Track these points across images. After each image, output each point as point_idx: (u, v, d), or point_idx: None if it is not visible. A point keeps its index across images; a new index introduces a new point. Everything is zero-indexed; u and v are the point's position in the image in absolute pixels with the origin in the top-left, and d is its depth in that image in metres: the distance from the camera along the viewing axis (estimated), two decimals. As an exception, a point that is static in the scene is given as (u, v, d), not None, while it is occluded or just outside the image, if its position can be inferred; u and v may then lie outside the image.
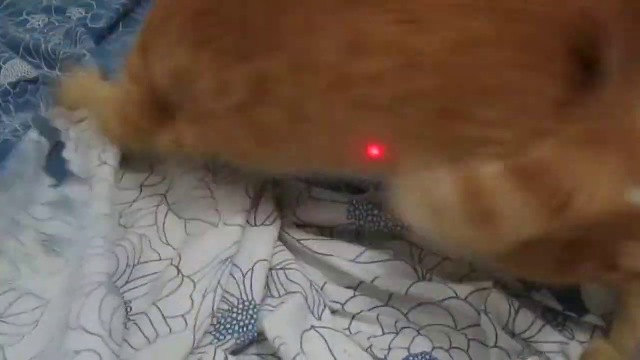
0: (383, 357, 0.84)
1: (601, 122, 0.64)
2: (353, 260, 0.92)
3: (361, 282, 0.90)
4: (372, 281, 0.89)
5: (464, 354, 0.86)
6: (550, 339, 0.84)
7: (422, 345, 0.86)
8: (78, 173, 1.11)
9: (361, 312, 0.89)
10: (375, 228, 0.97)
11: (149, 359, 0.81)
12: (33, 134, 1.14)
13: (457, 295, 0.87)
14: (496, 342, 0.83)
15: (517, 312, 0.85)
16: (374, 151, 0.74)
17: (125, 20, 1.63)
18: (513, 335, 0.86)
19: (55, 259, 0.96)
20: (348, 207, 0.97)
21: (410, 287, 0.88)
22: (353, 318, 0.89)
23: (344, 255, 0.93)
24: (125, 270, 0.92)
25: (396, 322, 0.88)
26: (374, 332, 0.88)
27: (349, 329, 0.89)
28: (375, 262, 0.93)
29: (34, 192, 1.08)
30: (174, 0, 0.88)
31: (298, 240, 0.95)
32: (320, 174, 0.96)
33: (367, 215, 0.96)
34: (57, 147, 1.18)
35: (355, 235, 0.99)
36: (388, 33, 0.68)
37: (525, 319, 0.85)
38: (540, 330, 0.84)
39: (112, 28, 1.58)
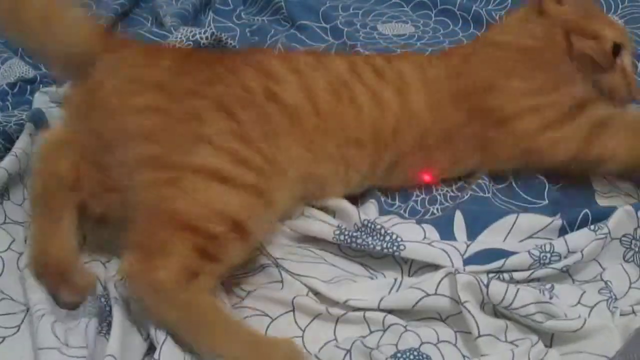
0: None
1: None
2: (327, 282, 0.93)
3: (336, 303, 0.91)
4: (345, 302, 0.89)
5: (452, 347, 0.86)
6: (526, 301, 0.85)
7: (410, 341, 0.85)
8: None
9: (346, 313, 0.89)
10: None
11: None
12: (30, 128, 1.14)
13: (426, 292, 0.88)
14: (479, 332, 0.83)
15: (487, 285, 0.85)
16: None
17: (123, 20, 1.64)
18: (494, 311, 0.87)
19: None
20: (335, 230, 0.98)
21: (380, 301, 0.89)
22: (337, 321, 0.89)
23: (320, 276, 0.94)
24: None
25: (384, 318, 0.87)
26: (361, 333, 0.87)
27: (334, 334, 0.88)
28: (349, 279, 0.95)
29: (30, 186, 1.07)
30: None
31: (276, 259, 0.96)
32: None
33: (350, 242, 0.96)
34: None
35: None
36: None
37: (497, 288, 0.85)
38: (515, 295, 0.85)
39: (110, 28, 1.58)
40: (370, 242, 0.95)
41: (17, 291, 0.91)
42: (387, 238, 0.95)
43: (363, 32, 1.58)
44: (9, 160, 1.05)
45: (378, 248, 0.94)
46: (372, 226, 0.97)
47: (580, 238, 0.94)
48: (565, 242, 0.93)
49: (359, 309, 0.89)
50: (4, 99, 1.31)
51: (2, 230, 0.99)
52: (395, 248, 0.93)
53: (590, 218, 0.98)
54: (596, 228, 0.95)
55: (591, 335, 0.84)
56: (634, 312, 0.88)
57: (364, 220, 0.99)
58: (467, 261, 0.93)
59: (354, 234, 0.97)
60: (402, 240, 0.94)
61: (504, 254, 0.94)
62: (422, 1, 1.68)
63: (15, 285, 0.92)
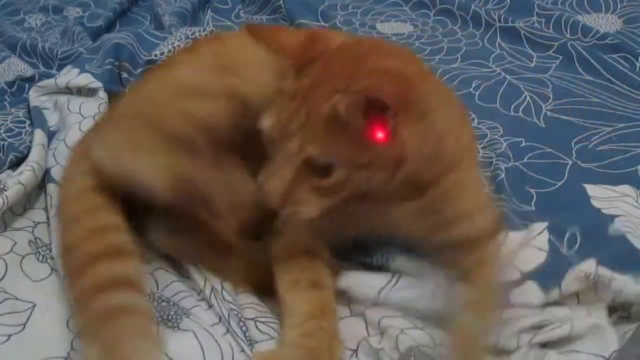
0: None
1: None
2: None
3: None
4: (344, 291, 0.89)
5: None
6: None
7: (407, 343, 0.83)
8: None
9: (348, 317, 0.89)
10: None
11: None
12: (39, 136, 1.13)
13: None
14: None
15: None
16: None
17: (122, 18, 1.64)
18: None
19: (44, 265, 0.95)
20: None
21: (380, 292, 0.88)
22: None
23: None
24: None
25: (380, 319, 0.87)
26: (362, 333, 0.87)
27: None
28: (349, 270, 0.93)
29: (33, 197, 1.06)
30: None
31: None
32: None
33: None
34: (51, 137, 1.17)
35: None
36: None
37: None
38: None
39: (109, 27, 1.59)
40: (360, 259, 0.95)
41: (22, 291, 0.91)
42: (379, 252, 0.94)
43: (362, 31, 1.58)
44: (26, 175, 1.03)
45: (368, 260, 0.94)
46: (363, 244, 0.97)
47: None
48: None
49: (358, 304, 0.89)
50: (2, 98, 1.31)
51: (3, 237, 0.99)
52: (384, 260, 0.93)
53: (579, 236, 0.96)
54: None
55: (585, 336, 0.84)
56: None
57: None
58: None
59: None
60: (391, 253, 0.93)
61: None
62: (421, 0, 1.69)
63: (20, 285, 0.92)
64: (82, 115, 1.16)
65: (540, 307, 0.87)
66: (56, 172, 1.06)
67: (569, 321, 0.83)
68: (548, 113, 1.26)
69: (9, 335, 0.85)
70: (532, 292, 0.87)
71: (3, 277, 0.93)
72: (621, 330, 0.85)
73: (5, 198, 0.98)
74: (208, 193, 0.87)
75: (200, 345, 0.83)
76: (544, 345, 0.84)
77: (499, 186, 1.06)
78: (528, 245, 0.93)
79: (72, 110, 1.17)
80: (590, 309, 0.86)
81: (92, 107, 1.17)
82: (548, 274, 0.88)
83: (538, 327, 0.84)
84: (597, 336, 0.83)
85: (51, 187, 1.04)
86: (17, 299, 0.90)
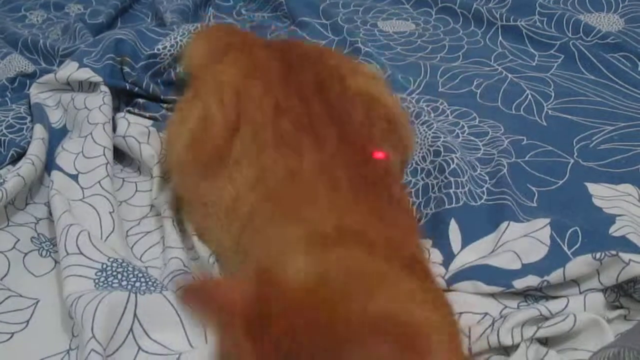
0: None
1: None
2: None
3: None
4: None
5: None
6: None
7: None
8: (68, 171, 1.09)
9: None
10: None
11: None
12: (39, 130, 1.13)
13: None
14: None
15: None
16: None
17: (123, 16, 1.64)
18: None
19: (47, 260, 0.96)
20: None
21: None
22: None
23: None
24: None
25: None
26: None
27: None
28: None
29: (35, 191, 1.07)
30: None
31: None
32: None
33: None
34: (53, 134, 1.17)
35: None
36: None
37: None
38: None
39: (110, 24, 1.58)
40: None
41: (25, 287, 0.91)
42: None
43: (363, 29, 1.58)
44: (25, 167, 1.04)
45: None
46: None
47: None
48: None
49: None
50: (3, 94, 1.31)
51: (5, 232, 0.99)
52: None
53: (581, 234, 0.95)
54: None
55: (584, 332, 0.84)
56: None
57: None
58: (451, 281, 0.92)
59: None
60: None
61: (487, 271, 0.91)
62: (423, -1, 1.69)
63: (23, 282, 0.92)
64: (88, 109, 1.16)
65: (536, 300, 0.88)
66: (61, 159, 1.08)
67: (571, 314, 0.83)
68: (550, 112, 1.26)
69: (12, 333, 0.85)
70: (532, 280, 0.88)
71: (6, 274, 0.93)
72: (618, 330, 0.84)
73: (4, 190, 0.98)
74: None
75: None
76: (545, 342, 0.84)
77: (501, 180, 1.06)
78: (530, 237, 0.94)
79: (78, 106, 1.18)
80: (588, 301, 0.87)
81: (97, 100, 1.17)
82: (549, 267, 0.89)
83: (541, 320, 0.83)
84: (595, 333, 0.83)
85: (54, 173, 1.06)
86: (20, 295, 0.90)
